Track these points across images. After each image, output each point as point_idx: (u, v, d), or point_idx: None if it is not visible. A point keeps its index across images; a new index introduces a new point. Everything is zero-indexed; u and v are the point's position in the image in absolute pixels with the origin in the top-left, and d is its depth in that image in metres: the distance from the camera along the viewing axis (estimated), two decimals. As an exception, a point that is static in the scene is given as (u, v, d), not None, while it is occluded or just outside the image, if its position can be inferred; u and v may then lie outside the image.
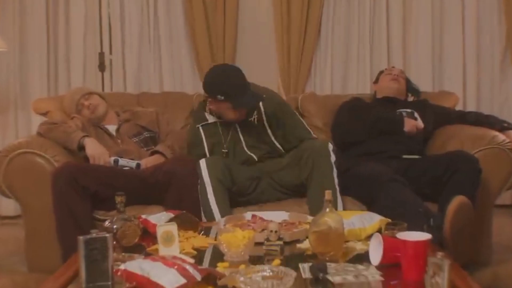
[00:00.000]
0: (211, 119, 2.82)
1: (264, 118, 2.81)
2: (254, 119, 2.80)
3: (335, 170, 2.55)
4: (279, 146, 2.81)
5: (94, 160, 2.67)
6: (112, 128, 2.95)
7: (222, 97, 2.64)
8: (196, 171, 2.58)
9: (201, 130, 2.81)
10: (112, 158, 2.71)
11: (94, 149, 2.68)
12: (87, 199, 2.48)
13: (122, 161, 2.72)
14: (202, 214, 2.53)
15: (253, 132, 2.79)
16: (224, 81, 2.67)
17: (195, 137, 2.83)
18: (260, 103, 2.79)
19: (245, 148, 2.77)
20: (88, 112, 2.93)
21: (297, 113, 2.97)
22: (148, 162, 2.76)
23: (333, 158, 2.56)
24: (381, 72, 3.26)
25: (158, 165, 2.68)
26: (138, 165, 2.73)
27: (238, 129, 2.79)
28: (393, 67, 3.32)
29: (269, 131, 2.81)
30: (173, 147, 2.85)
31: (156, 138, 2.99)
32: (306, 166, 2.55)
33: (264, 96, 2.73)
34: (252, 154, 2.77)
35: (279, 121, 2.83)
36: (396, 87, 3.12)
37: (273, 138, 2.81)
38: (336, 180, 2.55)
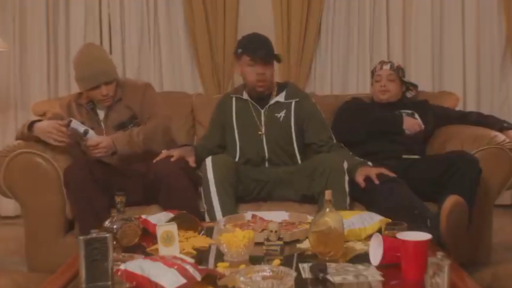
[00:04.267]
0: (245, 96, 2.84)
1: (292, 119, 2.79)
2: (280, 117, 2.79)
3: (347, 189, 2.53)
4: (296, 151, 2.79)
5: (50, 134, 2.55)
6: (101, 113, 2.75)
7: (240, 50, 2.74)
8: (187, 170, 2.56)
9: (234, 100, 2.84)
10: (67, 120, 2.59)
11: (43, 127, 2.56)
12: (104, 191, 2.50)
13: (74, 124, 2.59)
14: (205, 212, 2.53)
15: (276, 128, 2.78)
16: (244, 38, 2.82)
17: (220, 113, 2.88)
18: (292, 104, 2.79)
19: (264, 141, 2.77)
20: (98, 99, 2.69)
21: (324, 117, 2.90)
22: (96, 139, 2.59)
23: (347, 177, 2.55)
24: (373, 73, 3.18)
25: (150, 165, 2.59)
26: (86, 131, 2.58)
27: (262, 119, 2.78)
28: (382, 65, 3.14)
29: (293, 134, 2.78)
30: (138, 138, 2.61)
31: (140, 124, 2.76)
32: (320, 181, 2.52)
33: (279, 55, 2.76)
34: (266, 151, 2.76)
35: (306, 125, 2.80)
36: (385, 98, 3.06)
37: (294, 141, 2.78)
38: (348, 201, 2.53)
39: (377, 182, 2.52)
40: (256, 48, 2.71)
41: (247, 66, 2.73)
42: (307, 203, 2.60)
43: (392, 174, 2.57)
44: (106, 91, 2.65)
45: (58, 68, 3.84)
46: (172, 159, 2.56)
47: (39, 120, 2.65)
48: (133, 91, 2.77)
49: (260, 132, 2.77)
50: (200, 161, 2.67)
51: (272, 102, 2.80)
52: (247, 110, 2.81)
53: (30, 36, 3.80)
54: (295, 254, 1.90)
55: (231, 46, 3.73)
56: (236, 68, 2.87)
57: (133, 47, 3.81)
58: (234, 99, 2.85)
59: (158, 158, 2.60)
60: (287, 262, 1.76)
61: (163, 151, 2.65)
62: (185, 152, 2.68)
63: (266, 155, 2.77)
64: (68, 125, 2.58)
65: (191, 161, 2.62)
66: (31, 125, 2.62)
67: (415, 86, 3.22)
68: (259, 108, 2.80)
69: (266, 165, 2.78)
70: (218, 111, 2.92)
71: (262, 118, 2.79)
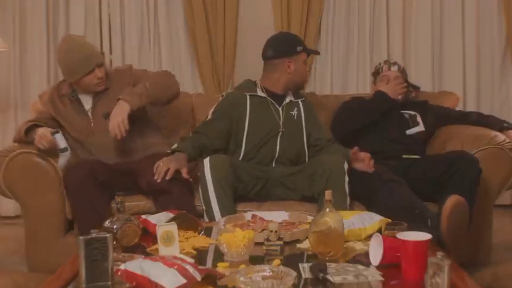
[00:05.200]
0: (262, 93, 2.82)
1: (303, 117, 2.84)
2: (294, 115, 2.83)
3: (347, 190, 2.54)
4: (306, 150, 2.82)
5: (40, 140, 2.54)
6: (87, 101, 2.72)
7: (301, 48, 2.81)
8: (180, 176, 2.52)
9: (248, 98, 2.79)
10: (53, 130, 2.58)
11: (37, 133, 2.56)
12: (105, 191, 2.50)
13: (58, 136, 2.56)
14: (204, 212, 2.52)
15: (292, 126, 2.81)
16: (295, 36, 2.95)
17: (231, 105, 2.77)
18: (300, 103, 2.86)
19: (278, 139, 2.77)
20: (94, 84, 2.65)
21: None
22: (113, 117, 2.51)
23: (347, 178, 2.56)
24: (377, 72, 3.17)
25: (144, 172, 2.55)
26: (64, 149, 2.56)
27: (281, 116, 2.80)
28: (389, 65, 3.14)
29: (304, 132, 2.83)
30: (144, 87, 2.59)
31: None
32: (320, 182, 2.53)
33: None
34: (277, 150, 2.76)
35: (310, 121, 2.87)
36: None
37: (305, 140, 2.83)
38: (348, 201, 2.54)
39: (372, 168, 2.61)
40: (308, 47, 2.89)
41: (303, 63, 2.83)
42: (307, 203, 2.60)
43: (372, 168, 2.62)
44: (101, 73, 2.64)
45: (58, 68, 3.81)
46: (167, 177, 2.46)
47: (37, 125, 2.63)
48: (119, 77, 2.75)
49: (280, 130, 2.77)
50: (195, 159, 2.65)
51: (287, 100, 2.84)
52: (266, 108, 2.79)
53: (30, 36, 3.79)
54: (295, 254, 1.89)
55: (231, 46, 3.73)
56: (281, 66, 2.78)
57: (133, 47, 3.81)
58: (248, 97, 2.79)
59: (156, 172, 2.50)
60: (287, 262, 1.75)
61: (159, 163, 2.51)
62: (179, 163, 2.53)
63: (277, 154, 2.77)
64: (53, 133, 2.56)
65: (184, 172, 2.51)
66: (28, 130, 2.62)
67: (418, 88, 3.22)
68: (277, 106, 2.81)
69: (273, 164, 2.78)
70: (228, 105, 2.78)
71: (281, 116, 2.80)
